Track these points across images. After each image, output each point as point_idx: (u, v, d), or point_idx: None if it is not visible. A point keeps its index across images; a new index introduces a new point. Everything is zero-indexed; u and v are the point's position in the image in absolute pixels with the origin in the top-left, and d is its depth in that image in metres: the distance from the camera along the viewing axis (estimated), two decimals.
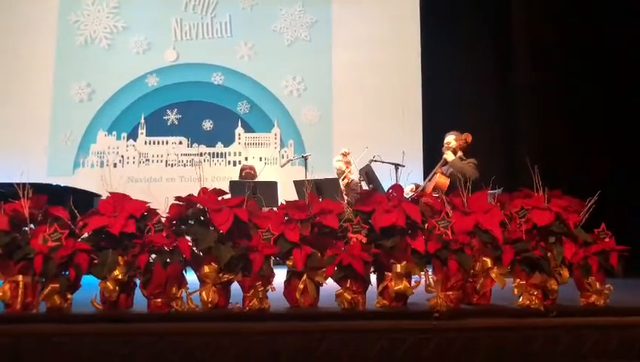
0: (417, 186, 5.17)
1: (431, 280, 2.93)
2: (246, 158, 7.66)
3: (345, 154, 5.75)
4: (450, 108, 7.15)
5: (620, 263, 3.03)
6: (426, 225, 3.04)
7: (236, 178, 6.11)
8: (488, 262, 2.98)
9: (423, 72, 7.62)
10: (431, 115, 7.45)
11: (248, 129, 7.78)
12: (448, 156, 4.98)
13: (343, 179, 5.52)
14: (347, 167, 5.65)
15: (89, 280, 2.87)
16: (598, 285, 3.00)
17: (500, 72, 7.44)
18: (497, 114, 7.37)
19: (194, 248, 2.90)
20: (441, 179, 4.91)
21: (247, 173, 6.00)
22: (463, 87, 7.34)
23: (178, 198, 2.99)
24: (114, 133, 7.75)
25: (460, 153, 5.05)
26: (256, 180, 5.38)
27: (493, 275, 2.97)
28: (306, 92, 7.80)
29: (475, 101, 7.32)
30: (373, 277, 3.02)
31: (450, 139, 5.11)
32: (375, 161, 5.24)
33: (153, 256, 2.82)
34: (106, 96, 7.80)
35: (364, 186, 5.25)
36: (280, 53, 7.86)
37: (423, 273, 2.98)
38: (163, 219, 2.94)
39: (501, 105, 7.40)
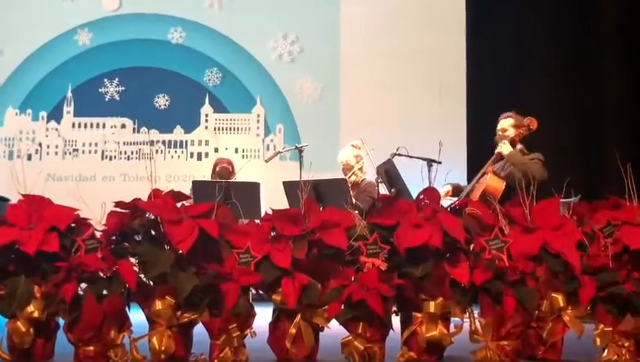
0: (455, 188, 5.16)
1: (477, 324, 2.94)
2: (216, 150, 7.67)
3: (356, 147, 5.75)
4: (506, 82, 7.15)
5: None
6: (471, 246, 3.05)
7: (203, 177, 6.11)
8: (560, 299, 2.99)
9: (467, 29, 7.60)
10: (479, 91, 7.45)
11: (219, 108, 7.79)
12: (504, 148, 4.97)
13: (349, 177, 5.52)
14: (357, 161, 5.65)
15: None
16: None
17: (578, 26, 7.42)
18: (573, 89, 7.37)
19: (141, 275, 2.90)
20: (493, 181, 4.91)
21: (223, 168, 5.99)
22: (523, 49, 7.33)
23: (119, 204, 3.00)
24: (29, 111, 7.76)
25: (519, 145, 5.06)
26: (231, 180, 5.39)
27: (566, 318, 2.99)
28: (302, 56, 7.81)
29: (543, 71, 7.32)
30: (395, 320, 3.03)
31: (507, 124, 5.10)
32: (399, 155, 5.23)
33: (83, 285, 2.82)
34: (17, 59, 7.81)
35: (383, 191, 5.26)
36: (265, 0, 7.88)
37: (466, 314, 2.99)
38: (98, 234, 2.94)
39: (579, 77, 7.38)
